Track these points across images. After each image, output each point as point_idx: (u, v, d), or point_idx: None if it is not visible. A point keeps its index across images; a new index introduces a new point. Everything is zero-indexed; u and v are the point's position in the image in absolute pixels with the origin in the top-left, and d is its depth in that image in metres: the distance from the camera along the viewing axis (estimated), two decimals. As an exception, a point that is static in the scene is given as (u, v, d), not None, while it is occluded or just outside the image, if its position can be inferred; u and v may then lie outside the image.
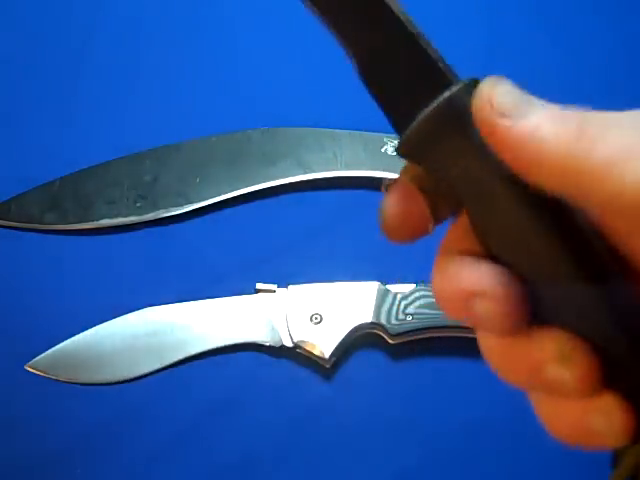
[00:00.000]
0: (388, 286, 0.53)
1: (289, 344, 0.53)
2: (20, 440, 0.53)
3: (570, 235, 0.23)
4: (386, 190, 0.26)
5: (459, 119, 0.23)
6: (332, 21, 0.26)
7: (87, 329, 0.54)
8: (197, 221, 0.58)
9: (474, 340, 0.51)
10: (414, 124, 0.24)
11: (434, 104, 0.24)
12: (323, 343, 0.52)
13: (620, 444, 0.24)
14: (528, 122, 0.22)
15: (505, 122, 0.22)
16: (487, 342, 0.25)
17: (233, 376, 0.54)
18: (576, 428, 0.24)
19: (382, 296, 0.53)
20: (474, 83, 0.23)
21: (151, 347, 0.54)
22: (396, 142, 0.25)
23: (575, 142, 0.21)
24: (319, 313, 0.53)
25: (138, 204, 0.57)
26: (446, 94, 0.24)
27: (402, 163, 0.27)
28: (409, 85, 0.25)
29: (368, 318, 0.53)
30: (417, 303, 0.52)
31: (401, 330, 0.52)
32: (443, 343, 0.53)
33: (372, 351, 0.54)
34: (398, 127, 0.25)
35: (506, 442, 0.52)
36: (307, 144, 0.58)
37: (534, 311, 0.24)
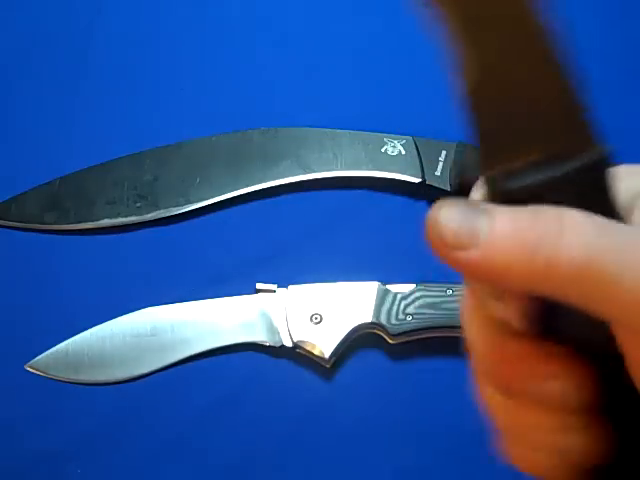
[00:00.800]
0: (388, 286, 0.53)
1: (289, 344, 0.53)
2: (20, 440, 0.53)
3: None
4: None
5: (593, 190, 0.21)
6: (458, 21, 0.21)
7: (87, 329, 0.54)
8: (197, 221, 0.58)
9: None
10: (539, 176, 0.21)
11: (574, 163, 0.21)
12: (323, 343, 0.52)
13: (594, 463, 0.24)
14: (479, 247, 0.20)
15: (460, 254, 0.21)
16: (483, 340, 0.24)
17: (233, 376, 0.54)
18: (549, 449, 0.24)
19: (382, 296, 0.53)
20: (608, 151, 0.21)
21: (151, 347, 0.54)
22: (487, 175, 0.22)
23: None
24: (319, 313, 0.53)
25: (138, 204, 0.57)
26: (592, 155, 0.21)
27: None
28: (537, 122, 0.21)
29: (368, 318, 0.53)
30: (417, 303, 0.52)
31: (401, 330, 0.52)
32: (443, 343, 0.53)
33: (372, 351, 0.54)
34: (499, 158, 0.22)
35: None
36: (307, 144, 0.58)
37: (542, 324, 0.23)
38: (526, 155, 0.21)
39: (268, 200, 0.58)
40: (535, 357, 0.23)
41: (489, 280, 0.21)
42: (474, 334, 0.24)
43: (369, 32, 0.62)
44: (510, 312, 0.22)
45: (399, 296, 0.53)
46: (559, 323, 0.23)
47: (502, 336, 0.23)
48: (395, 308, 0.52)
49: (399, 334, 0.52)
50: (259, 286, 0.54)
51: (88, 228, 0.57)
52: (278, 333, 0.53)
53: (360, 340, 0.54)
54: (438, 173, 0.56)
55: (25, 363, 0.54)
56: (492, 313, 0.23)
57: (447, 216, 0.21)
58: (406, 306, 0.52)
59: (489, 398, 0.25)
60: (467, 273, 0.22)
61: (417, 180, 0.56)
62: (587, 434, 0.23)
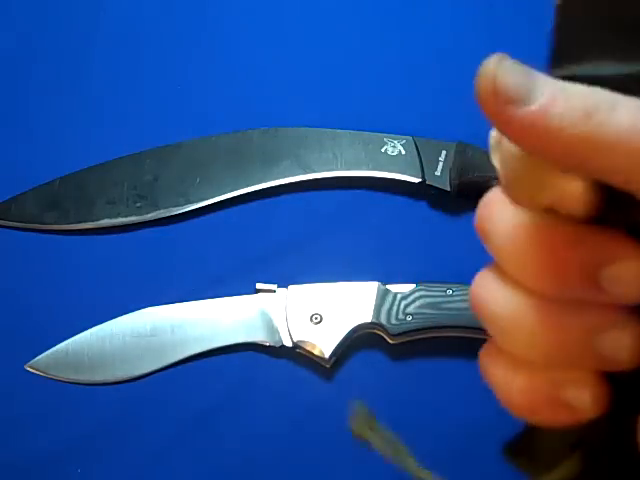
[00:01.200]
0: (388, 286, 0.53)
1: (289, 344, 0.53)
2: (20, 440, 0.53)
3: None
4: None
5: None
6: None
7: (87, 329, 0.54)
8: (197, 221, 0.58)
9: (474, 340, 0.52)
10: None
11: None
12: (323, 343, 0.52)
13: (591, 416, 0.23)
14: (542, 102, 0.19)
15: (516, 109, 0.19)
16: (528, 310, 0.23)
17: (233, 376, 0.54)
18: (547, 401, 0.24)
19: (382, 296, 0.53)
20: None
21: (151, 347, 0.54)
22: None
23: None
24: (319, 313, 0.53)
25: (138, 204, 0.57)
26: None
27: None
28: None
29: (368, 318, 0.53)
30: (417, 303, 0.52)
31: (401, 330, 0.52)
32: (443, 343, 0.53)
33: (372, 351, 0.54)
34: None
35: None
36: (307, 144, 0.58)
37: None
38: (607, 51, 0.21)
39: (268, 200, 0.58)
40: (592, 240, 0.22)
41: (538, 142, 0.20)
42: (511, 232, 0.22)
43: (369, 32, 0.62)
44: (560, 193, 0.21)
45: (399, 296, 0.53)
46: (612, 207, 0.22)
47: (550, 222, 0.22)
48: (395, 308, 0.52)
49: (399, 334, 0.52)
50: (259, 286, 0.54)
51: (88, 228, 0.57)
52: (278, 333, 0.53)
53: (360, 340, 0.54)
54: (438, 173, 0.56)
55: (25, 363, 0.54)
56: (537, 198, 0.22)
57: (506, 69, 0.19)
58: (406, 306, 0.52)
59: (518, 319, 0.23)
60: (517, 131, 0.20)
61: (417, 180, 0.56)
62: (629, 332, 0.22)
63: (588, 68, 0.21)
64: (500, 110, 0.20)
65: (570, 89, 0.20)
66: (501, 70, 0.19)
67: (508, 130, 0.20)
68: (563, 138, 0.19)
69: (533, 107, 0.19)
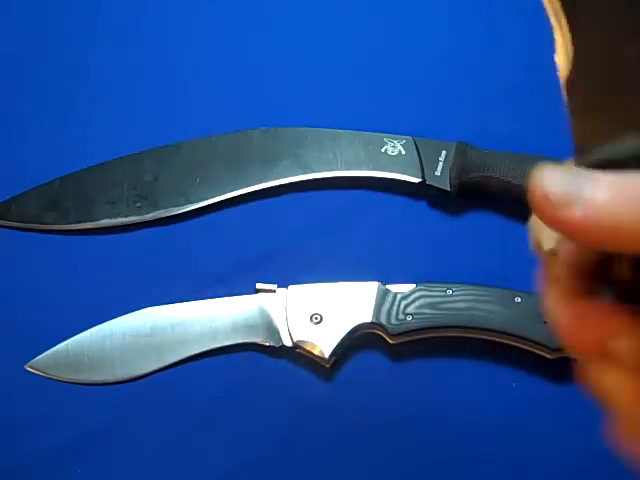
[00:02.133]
0: (388, 286, 0.53)
1: (289, 344, 0.53)
2: (20, 440, 0.53)
3: None
4: None
5: None
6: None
7: (87, 329, 0.54)
8: (197, 221, 0.58)
9: (474, 340, 0.52)
10: None
11: None
12: (323, 343, 0.52)
13: None
14: (586, 205, 0.21)
15: (565, 212, 0.21)
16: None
17: (233, 376, 0.54)
18: None
19: (382, 296, 0.53)
20: None
21: (151, 347, 0.54)
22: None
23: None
24: (319, 313, 0.53)
25: (138, 204, 0.57)
26: None
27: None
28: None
29: (368, 318, 0.53)
30: (417, 303, 0.52)
31: (401, 330, 0.52)
32: (443, 343, 0.53)
33: (372, 351, 0.54)
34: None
35: (505, 442, 0.52)
36: (307, 144, 0.58)
37: None
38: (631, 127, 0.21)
39: (268, 200, 0.58)
40: (594, 316, 0.22)
41: (595, 240, 0.21)
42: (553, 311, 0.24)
43: (369, 32, 0.62)
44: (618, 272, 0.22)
45: (399, 296, 0.53)
46: None
47: (561, 300, 0.23)
48: (395, 308, 0.52)
49: (399, 334, 0.52)
50: (259, 286, 0.55)
51: (88, 228, 0.57)
52: (278, 333, 0.53)
53: (360, 340, 0.54)
54: (438, 173, 0.56)
55: (25, 363, 0.54)
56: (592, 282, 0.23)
57: (552, 177, 0.21)
58: (406, 306, 0.52)
59: (606, 383, 0.24)
60: (573, 233, 0.21)
61: (417, 180, 0.56)
62: None
63: (618, 147, 0.21)
64: (554, 215, 0.21)
65: (612, 188, 0.21)
66: (547, 180, 0.21)
67: (561, 230, 0.22)
68: (617, 235, 0.21)
69: (579, 213, 0.21)
